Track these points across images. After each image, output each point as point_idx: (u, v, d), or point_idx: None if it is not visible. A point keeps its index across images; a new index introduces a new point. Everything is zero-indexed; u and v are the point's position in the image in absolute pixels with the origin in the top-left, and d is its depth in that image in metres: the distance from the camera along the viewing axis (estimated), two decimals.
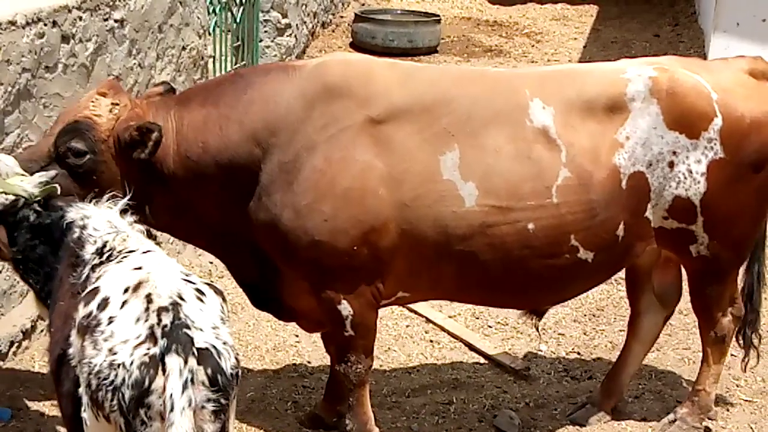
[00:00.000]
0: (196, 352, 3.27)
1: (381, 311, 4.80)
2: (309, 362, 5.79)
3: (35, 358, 5.51)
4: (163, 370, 3.23)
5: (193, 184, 4.56)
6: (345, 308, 4.56)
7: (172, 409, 3.20)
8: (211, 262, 6.59)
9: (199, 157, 4.54)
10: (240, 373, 3.44)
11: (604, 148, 4.57)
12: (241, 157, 4.51)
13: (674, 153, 4.60)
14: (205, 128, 4.54)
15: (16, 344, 5.49)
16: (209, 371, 3.27)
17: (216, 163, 4.53)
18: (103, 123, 4.46)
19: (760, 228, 5.01)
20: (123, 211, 3.92)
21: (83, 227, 3.81)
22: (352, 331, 4.61)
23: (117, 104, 4.52)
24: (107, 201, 3.94)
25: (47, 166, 4.37)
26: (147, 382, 3.22)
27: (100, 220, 3.83)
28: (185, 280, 3.49)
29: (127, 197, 4.00)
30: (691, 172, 4.62)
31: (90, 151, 4.42)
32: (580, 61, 11.64)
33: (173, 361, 3.23)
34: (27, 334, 5.56)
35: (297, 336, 5.96)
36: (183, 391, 3.21)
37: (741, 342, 5.26)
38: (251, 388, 5.48)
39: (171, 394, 3.21)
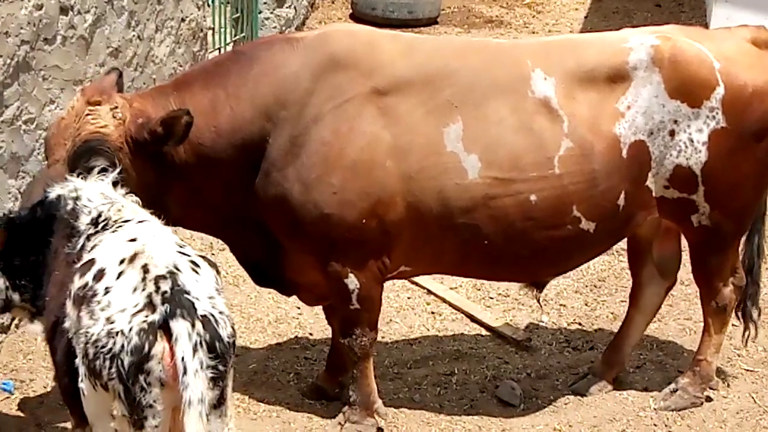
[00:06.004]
0: (200, 317, 3.31)
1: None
2: (311, 334, 5.79)
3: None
4: (169, 336, 3.27)
5: (207, 169, 4.47)
6: (352, 282, 4.56)
7: (185, 372, 3.23)
8: None
9: (213, 141, 4.45)
10: (236, 342, 3.46)
11: (605, 118, 4.56)
12: (255, 134, 4.44)
13: (675, 122, 4.59)
14: (214, 111, 4.44)
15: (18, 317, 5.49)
16: (208, 338, 3.31)
17: (231, 145, 4.45)
18: (113, 132, 4.27)
19: (761, 198, 5.00)
20: (114, 184, 3.93)
21: (77, 198, 3.82)
22: (358, 304, 4.61)
23: (116, 107, 4.33)
24: (96, 176, 3.96)
25: None
26: (147, 348, 3.26)
27: (94, 191, 3.84)
28: (180, 252, 3.52)
29: (117, 170, 3.99)
30: (692, 141, 4.61)
31: (111, 165, 4.18)
32: (581, 32, 11.57)
33: (180, 325, 3.27)
34: None
35: (299, 308, 5.96)
36: (194, 354, 3.25)
37: (740, 315, 5.25)
38: (253, 360, 5.49)
39: (182, 357, 3.24)
